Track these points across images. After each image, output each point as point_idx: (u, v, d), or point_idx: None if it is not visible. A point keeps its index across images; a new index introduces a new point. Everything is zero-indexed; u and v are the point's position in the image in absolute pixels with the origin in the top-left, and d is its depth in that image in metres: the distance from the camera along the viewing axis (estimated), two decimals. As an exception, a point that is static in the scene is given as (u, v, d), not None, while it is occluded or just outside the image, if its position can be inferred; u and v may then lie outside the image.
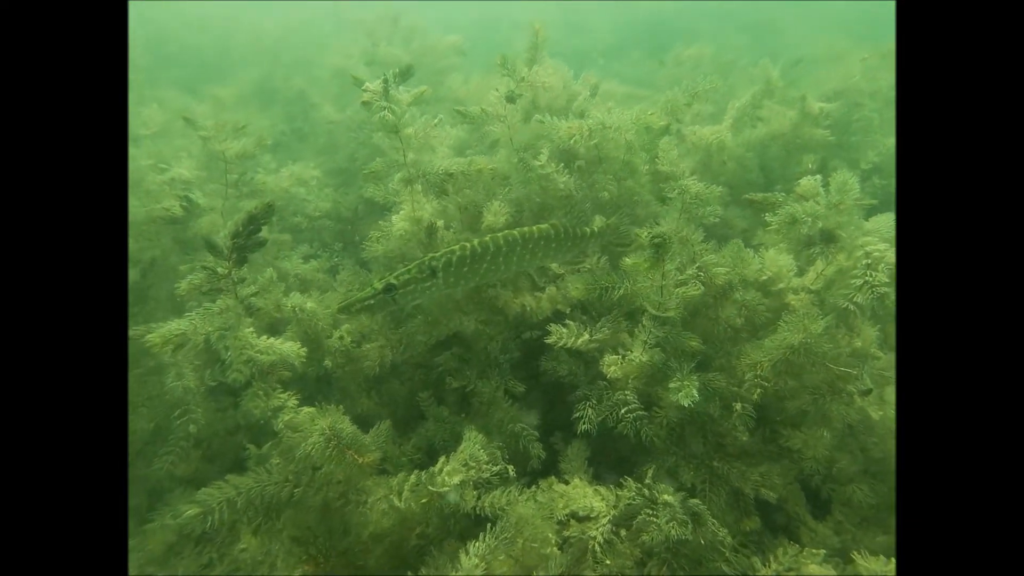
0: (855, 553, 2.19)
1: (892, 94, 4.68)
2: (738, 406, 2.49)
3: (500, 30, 10.13)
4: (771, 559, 2.29)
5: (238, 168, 3.53)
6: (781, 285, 2.84)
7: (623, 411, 2.52)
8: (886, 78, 4.76)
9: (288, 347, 2.39)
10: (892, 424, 2.50)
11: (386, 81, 2.57)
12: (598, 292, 2.66)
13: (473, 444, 2.35)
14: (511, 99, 2.87)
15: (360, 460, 2.00)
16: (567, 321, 2.67)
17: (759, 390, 2.46)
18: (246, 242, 2.07)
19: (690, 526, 2.14)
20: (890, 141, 4.43)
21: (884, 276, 2.33)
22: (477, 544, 2.03)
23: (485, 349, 2.90)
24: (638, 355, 2.54)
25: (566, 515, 2.37)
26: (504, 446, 2.59)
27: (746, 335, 2.82)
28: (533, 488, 2.41)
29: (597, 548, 2.25)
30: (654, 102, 3.57)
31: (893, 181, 4.35)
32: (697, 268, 2.53)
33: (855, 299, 2.35)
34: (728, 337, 2.78)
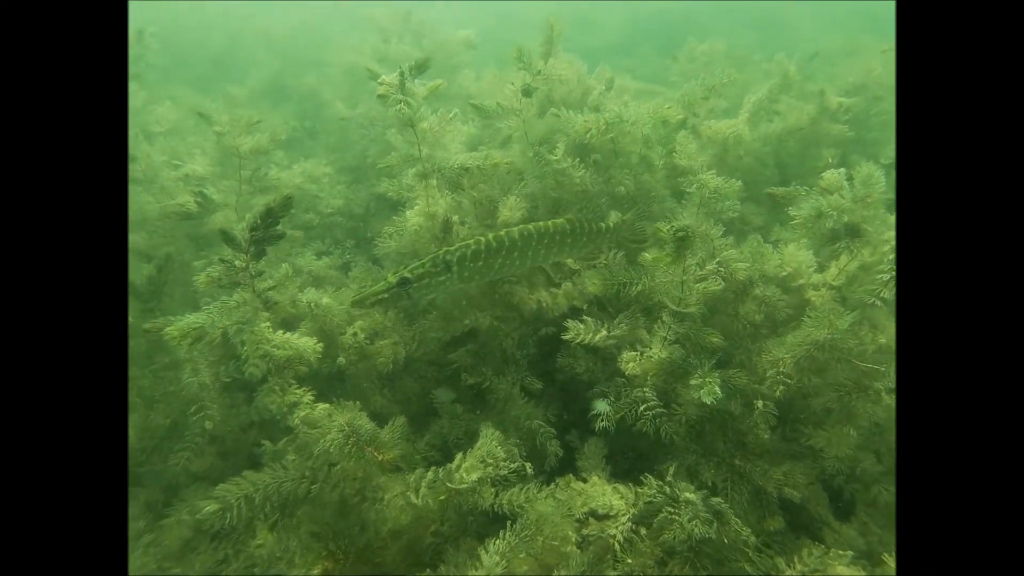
0: (886, 556, 2.14)
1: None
2: (759, 403, 2.45)
3: (509, 29, 10.11)
4: (796, 560, 2.24)
5: (252, 164, 3.53)
6: (801, 281, 2.80)
7: (642, 408, 2.48)
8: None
9: (304, 342, 2.37)
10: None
11: (402, 74, 2.54)
12: (615, 288, 2.62)
13: (490, 441, 2.32)
14: (527, 92, 2.84)
15: (380, 457, 1.98)
16: (584, 317, 2.63)
17: (781, 387, 2.41)
18: (264, 235, 2.05)
19: (714, 525, 2.09)
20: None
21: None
22: (497, 542, 2.00)
23: (500, 346, 2.87)
24: (657, 351, 2.50)
25: (585, 513, 2.34)
26: (521, 443, 2.56)
27: (766, 331, 2.78)
28: (552, 486, 2.38)
29: (617, 547, 2.22)
30: (669, 97, 3.53)
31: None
32: (717, 263, 2.49)
33: (881, 295, 2.30)
34: (748, 334, 2.74)
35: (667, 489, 2.28)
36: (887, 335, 2.53)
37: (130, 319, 3.07)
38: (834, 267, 2.73)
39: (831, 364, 2.38)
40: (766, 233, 3.27)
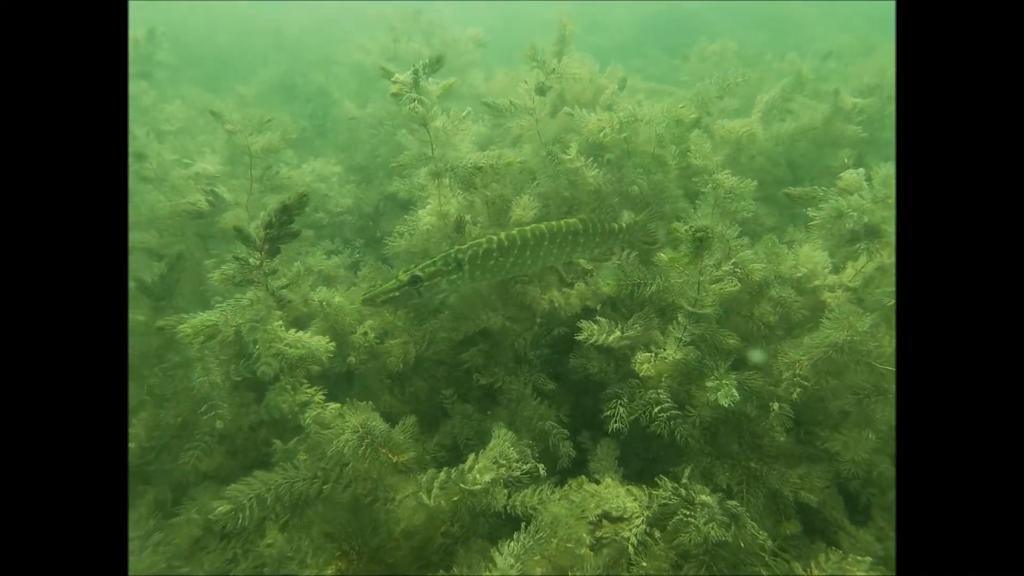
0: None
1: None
2: (775, 406, 2.42)
3: (516, 29, 10.10)
4: (813, 565, 2.21)
5: (262, 163, 3.52)
6: (816, 282, 2.76)
7: (656, 410, 2.45)
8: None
9: (316, 341, 2.36)
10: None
11: (416, 72, 2.53)
12: (629, 288, 2.60)
13: (503, 442, 2.30)
14: (541, 91, 2.82)
15: (395, 459, 1.96)
16: (598, 317, 2.61)
17: (798, 389, 2.38)
18: (279, 233, 2.04)
19: (732, 528, 2.07)
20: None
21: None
22: (512, 544, 1.98)
23: (512, 346, 2.85)
24: (672, 353, 2.47)
25: (598, 515, 2.32)
26: (533, 444, 2.54)
27: (781, 333, 2.74)
28: (564, 487, 2.36)
29: (631, 549, 2.19)
30: (681, 96, 3.51)
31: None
32: (733, 264, 2.46)
33: (901, 296, 2.26)
34: (763, 335, 2.71)
35: (682, 491, 2.25)
36: (905, 337, 2.50)
37: (141, 317, 3.07)
38: (851, 268, 2.70)
39: (850, 366, 2.34)
40: (778, 234, 3.24)
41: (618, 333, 2.57)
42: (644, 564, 2.18)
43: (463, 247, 2.58)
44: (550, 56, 3.01)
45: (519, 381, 2.73)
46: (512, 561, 1.93)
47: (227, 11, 9.85)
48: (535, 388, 2.77)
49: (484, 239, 2.60)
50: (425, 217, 2.85)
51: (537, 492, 2.24)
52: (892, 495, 2.49)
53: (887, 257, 2.49)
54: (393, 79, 2.55)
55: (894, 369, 2.28)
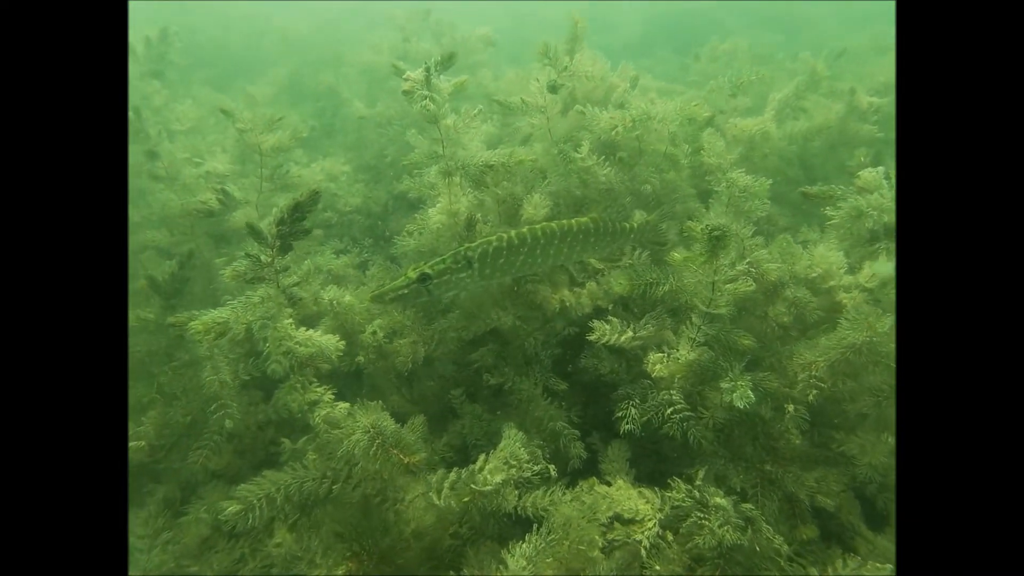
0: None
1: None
2: (790, 407, 2.38)
3: (525, 29, 10.10)
4: (830, 570, 2.17)
5: (272, 162, 3.52)
6: (832, 283, 2.72)
7: (669, 411, 2.42)
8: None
9: (327, 340, 2.35)
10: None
11: (428, 70, 2.51)
12: (642, 288, 2.57)
13: (514, 442, 2.28)
14: (553, 89, 2.80)
15: (406, 460, 1.94)
16: (610, 317, 2.58)
17: (814, 391, 2.34)
18: (291, 230, 2.03)
19: (748, 531, 2.03)
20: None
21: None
22: (524, 545, 1.95)
23: (523, 346, 2.83)
24: (685, 353, 2.44)
25: (609, 517, 2.29)
26: (544, 445, 2.51)
27: (795, 334, 2.70)
28: (575, 489, 2.33)
29: (644, 552, 2.16)
30: (694, 95, 3.47)
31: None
32: (748, 264, 2.42)
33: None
34: (777, 336, 2.67)
35: (696, 493, 2.22)
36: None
37: (151, 315, 3.07)
38: (867, 268, 2.65)
39: (868, 368, 2.30)
40: (792, 234, 3.20)
41: (630, 333, 2.54)
42: (657, 567, 2.15)
43: (473, 245, 2.56)
44: (562, 54, 2.99)
45: (529, 381, 2.71)
46: (524, 563, 1.90)
47: (238, 12, 9.92)
48: (546, 388, 2.74)
49: (494, 237, 2.58)
50: (435, 216, 2.83)
51: (548, 494, 2.21)
52: (910, 500, 2.44)
53: (905, 257, 2.44)
54: (405, 76, 2.53)
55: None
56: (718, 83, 3.20)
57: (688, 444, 2.42)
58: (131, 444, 2.73)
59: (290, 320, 2.27)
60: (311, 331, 2.36)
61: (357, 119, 5.31)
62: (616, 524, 2.29)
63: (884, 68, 4.59)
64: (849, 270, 2.74)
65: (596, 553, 2.10)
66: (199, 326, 2.05)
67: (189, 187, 3.57)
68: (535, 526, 2.07)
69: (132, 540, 2.66)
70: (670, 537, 2.23)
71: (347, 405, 2.40)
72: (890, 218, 2.34)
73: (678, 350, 2.47)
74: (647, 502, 2.34)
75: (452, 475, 2.21)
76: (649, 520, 2.27)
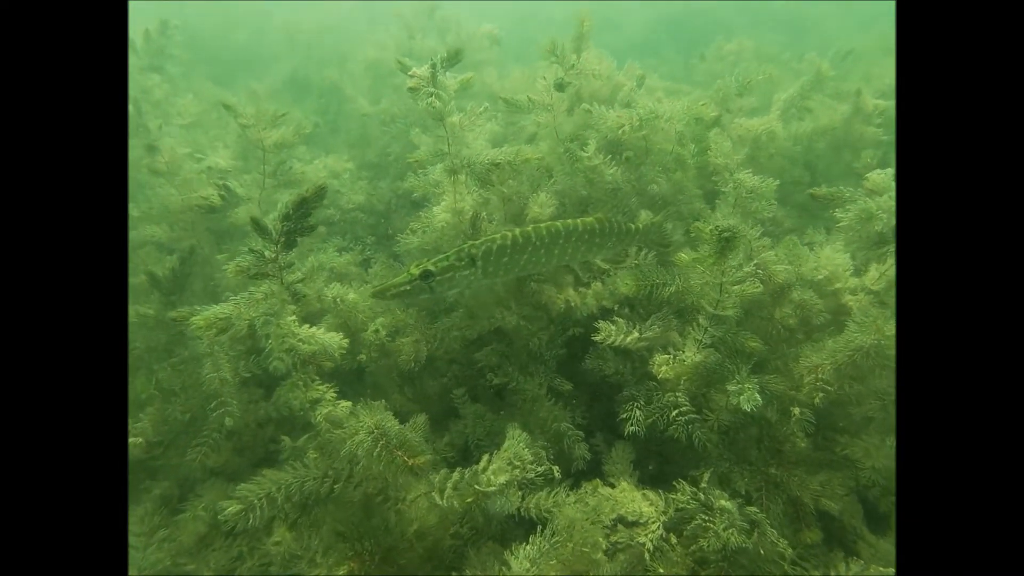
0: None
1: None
2: (796, 410, 2.36)
3: (529, 29, 10.06)
4: (831, 573, 2.15)
5: (275, 158, 3.50)
6: (838, 285, 2.70)
7: (674, 413, 2.40)
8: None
9: (330, 337, 2.32)
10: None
11: (434, 66, 2.49)
12: (648, 289, 2.54)
13: (517, 443, 2.26)
14: (560, 87, 2.77)
15: (411, 462, 1.91)
16: (615, 318, 2.56)
17: (820, 394, 2.32)
18: (296, 226, 2.00)
19: (753, 534, 2.01)
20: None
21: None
22: (527, 547, 1.93)
23: (527, 346, 2.80)
24: (691, 355, 2.42)
25: (613, 520, 2.27)
26: (548, 445, 2.49)
27: (801, 336, 2.68)
28: (579, 490, 2.31)
29: (647, 555, 2.14)
30: (701, 95, 3.45)
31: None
32: (755, 265, 2.40)
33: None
34: (783, 338, 2.65)
35: (701, 496, 2.20)
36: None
37: (151, 311, 3.05)
38: (874, 270, 2.63)
39: (875, 371, 2.28)
40: (798, 235, 3.18)
41: (636, 334, 2.52)
42: (661, 570, 2.13)
43: (477, 243, 2.54)
44: (569, 52, 2.96)
45: (534, 382, 2.68)
46: (527, 565, 1.88)
47: (241, 8, 9.87)
48: (550, 388, 2.72)
49: (498, 235, 2.55)
50: (440, 214, 2.80)
51: (552, 495, 2.19)
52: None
53: (913, 260, 2.42)
54: (411, 73, 2.51)
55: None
56: (725, 82, 3.17)
57: (693, 446, 2.40)
58: (129, 440, 2.70)
59: (293, 317, 2.24)
60: (314, 328, 2.33)
61: (361, 116, 5.28)
62: (620, 526, 2.27)
63: (891, 70, 4.56)
64: (855, 272, 2.73)
65: (599, 555, 2.08)
66: (201, 321, 2.02)
67: (190, 182, 3.54)
68: (539, 528, 2.05)
69: (128, 538, 2.63)
70: (673, 540, 2.21)
71: (349, 404, 2.38)
72: (900, 220, 2.32)
73: (684, 352, 2.45)
74: (651, 504, 2.32)
75: (455, 475, 2.19)
76: (653, 523, 2.25)
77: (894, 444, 2.31)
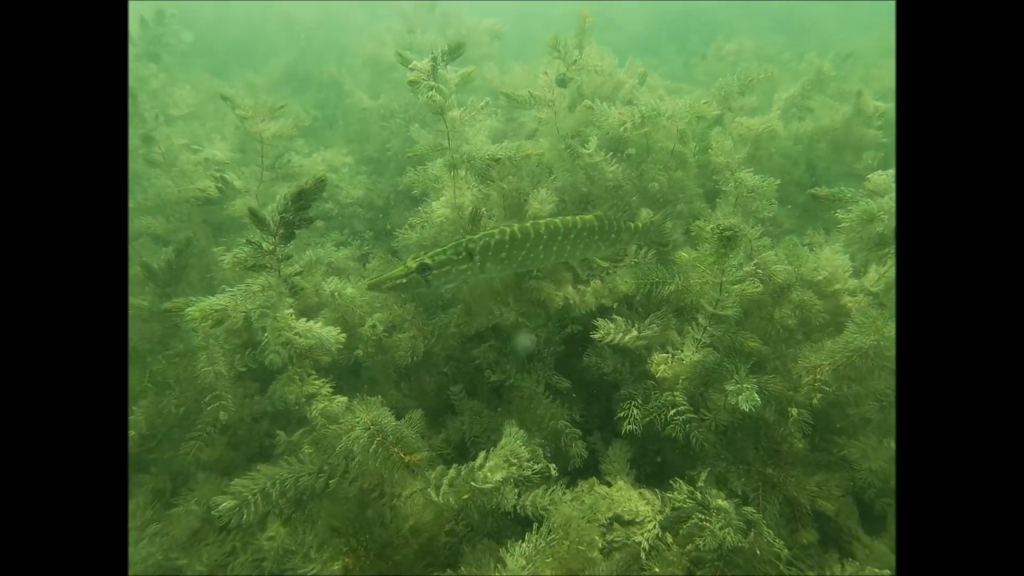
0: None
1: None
2: (794, 411, 2.36)
3: (529, 27, 10.03)
4: (827, 574, 2.15)
5: (273, 150, 3.46)
6: (837, 286, 2.70)
7: (672, 413, 2.39)
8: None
9: (327, 332, 2.30)
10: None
11: (435, 60, 2.47)
12: (647, 287, 2.54)
13: (514, 440, 2.24)
14: (562, 83, 2.75)
15: (407, 458, 1.90)
16: (614, 316, 2.55)
17: (818, 395, 2.32)
18: (294, 218, 1.98)
19: (750, 534, 2.00)
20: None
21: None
22: (523, 545, 1.92)
23: (524, 344, 2.79)
24: (690, 354, 2.41)
25: (609, 518, 2.26)
26: (544, 443, 2.48)
27: (800, 337, 2.68)
28: (576, 488, 2.30)
29: (643, 554, 2.14)
30: (701, 94, 3.43)
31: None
32: (755, 265, 2.40)
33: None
34: (782, 339, 2.65)
35: (698, 495, 2.19)
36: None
37: (146, 303, 3.02)
38: (873, 272, 2.63)
39: (874, 372, 2.28)
40: (798, 235, 3.17)
41: (635, 332, 2.51)
42: (656, 569, 2.12)
43: (475, 237, 2.52)
44: (571, 48, 2.94)
45: (531, 379, 2.67)
46: (523, 562, 1.87)
47: (239, 3, 9.79)
48: (548, 386, 2.70)
49: (497, 230, 2.54)
50: (439, 209, 2.78)
51: (548, 493, 2.18)
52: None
53: (913, 262, 2.41)
54: (411, 66, 2.49)
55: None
56: (727, 81, 3.16)
57: (690, 446, 2.39)
58: (123, 433, 2.68)
59: (290, 310, 2.22)
60: (311, 322, 2.31)
61: (360, 110, 5.24)
62: (616, 525, 2.27)
63: (890, 71, 4.56)
64: (855, 274, 2.73)
65: (595, 554, 2.07)
66: (196, 312, 2.00)
67: (187, 174, 3.50)
68: (535, 525, 2.04)
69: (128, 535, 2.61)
70: (669, 539, 2.21)
71: (345, 399, 2.36)
72: (900, 222, 2.32)
73: (683, 351, 2.45)
74: (647, 503, 2.32)
75: (452, 472, 2.18)
76: (649, 522, 2.25)
77: (891, 445, 2.31)
